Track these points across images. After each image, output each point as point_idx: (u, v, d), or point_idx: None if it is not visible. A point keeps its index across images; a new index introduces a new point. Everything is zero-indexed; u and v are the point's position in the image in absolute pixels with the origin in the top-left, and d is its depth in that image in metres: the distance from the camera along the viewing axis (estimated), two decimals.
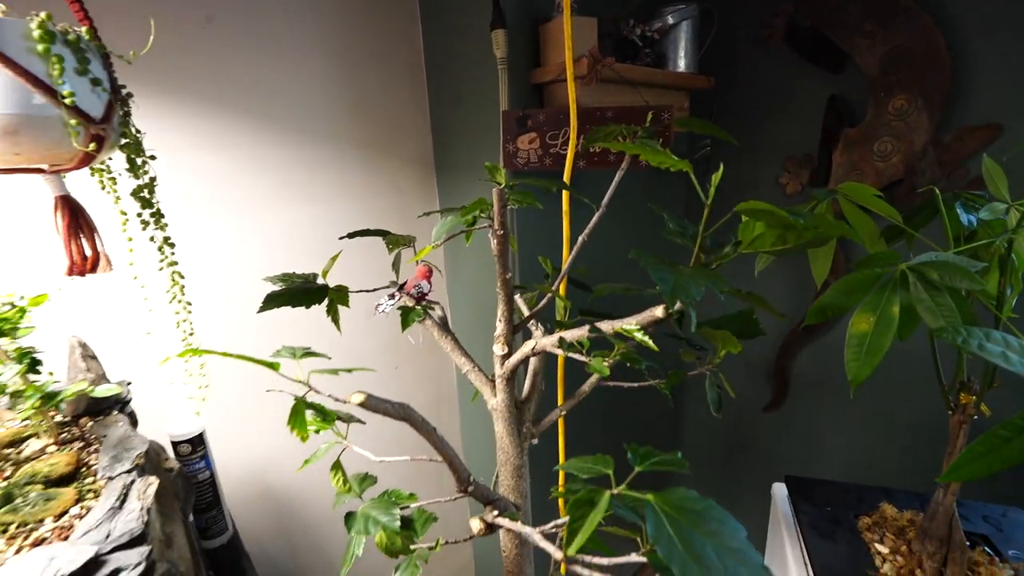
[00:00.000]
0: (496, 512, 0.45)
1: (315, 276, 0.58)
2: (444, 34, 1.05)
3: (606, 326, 0.48)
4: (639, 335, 0.45)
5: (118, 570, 0.42)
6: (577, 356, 0.49)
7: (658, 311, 0.45)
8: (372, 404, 0.40)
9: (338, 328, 0.58)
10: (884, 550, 0.71)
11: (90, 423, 0.60)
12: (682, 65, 1.13)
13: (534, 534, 0.40)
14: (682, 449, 1.64)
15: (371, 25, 1.01)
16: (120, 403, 0.65)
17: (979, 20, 0.95)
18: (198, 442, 0.76)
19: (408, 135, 1.11)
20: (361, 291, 0.62)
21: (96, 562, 0.42)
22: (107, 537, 0.44)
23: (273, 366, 0.40)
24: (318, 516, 1.10)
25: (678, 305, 0.43)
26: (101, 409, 0.63)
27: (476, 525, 0.45)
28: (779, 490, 0.89)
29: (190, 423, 0.74)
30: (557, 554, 0.33)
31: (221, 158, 0.85)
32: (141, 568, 0.43)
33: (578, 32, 0.92)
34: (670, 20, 1.10)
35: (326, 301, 0.58)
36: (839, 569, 0.69)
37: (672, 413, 1.60)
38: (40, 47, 0.42)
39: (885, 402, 1.18)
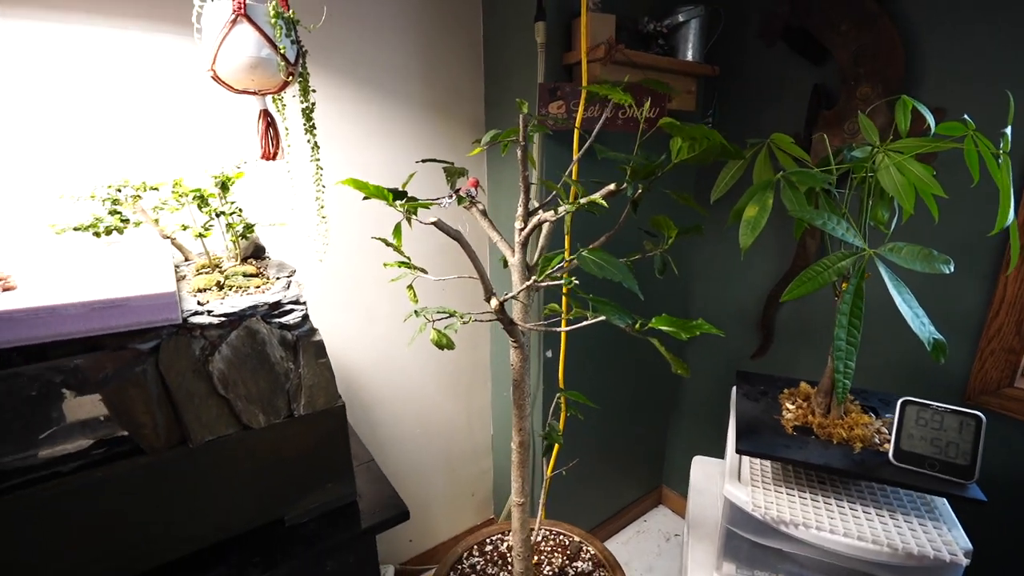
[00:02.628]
0: (501, 301, 0.76)
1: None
2: (499, 23, 1.36)
3: (584, 200, 0.77)
4: (600, 200, 0.74)
5: (291, 310, 0.75)
6: (551, 218, 0.79)
7: (611, 185, 0.74)
8: (439, 225, 0.71)
9: (409, 223, 0.90)
10: (791, 406, 0.96)
11: (254, 260, 0.95)
12: (690, 55, 1.40)
13: (523, 324, 0.70)
14: (685, 392, 1.89)
15: (443, 12, 1.33)
16: (268, 257, 1.00)
17: (927, 24, 1.17)
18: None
19: (465, 100, 1.43)
20: (430, 200, 0.94)
21: (279, 304, 0.75)
22: (284, 297, 0.78)
23: (386, 196, 0.72)
24: (373, 396, 1.44)
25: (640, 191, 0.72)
26: (260, 256, 0.98)
27: (494, 303, 0.76)
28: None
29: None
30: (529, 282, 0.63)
31: (333, 108, 1.20)
32: (302, 312, 0.76)
33: (599, 25, 1.22)
34: (680, 17, 1.38)
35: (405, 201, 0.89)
36: (754, 416, 0.95)
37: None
38: (273, 19, 0.76)
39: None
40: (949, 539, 0.76)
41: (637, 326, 0.63)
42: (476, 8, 1.39)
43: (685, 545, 1.09)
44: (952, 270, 0.70)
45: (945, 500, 0.85)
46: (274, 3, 0.77)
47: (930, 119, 0.78)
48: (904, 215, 0.79)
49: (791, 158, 0.92)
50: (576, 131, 1.23)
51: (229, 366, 0.67)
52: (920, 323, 0.70)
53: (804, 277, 0.72)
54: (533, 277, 0.71)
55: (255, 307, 0.71)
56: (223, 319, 0.67)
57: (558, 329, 0.78)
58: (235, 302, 0.71)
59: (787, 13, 1.38)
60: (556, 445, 1.28)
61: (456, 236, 0.75)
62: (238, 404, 0.69)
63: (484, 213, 0.93)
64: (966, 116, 0.77)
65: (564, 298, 1.32)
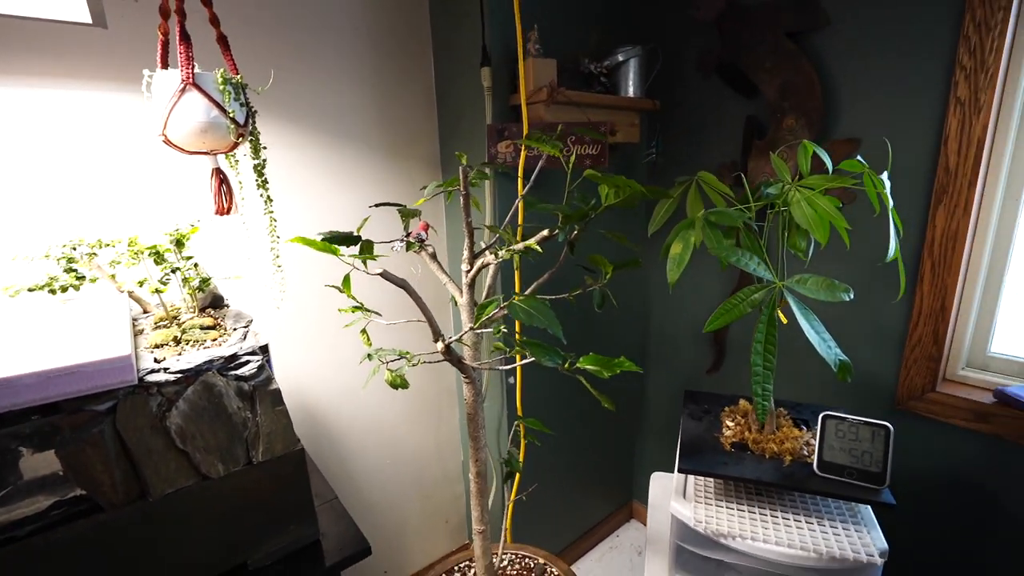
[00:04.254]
0: (446, 344, 0.81)
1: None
2: (449, 68, 1.43)
3: (519, 246, 0.83)
4: (535, 245, 0.80)
5: (247, 361, 0.79)
6: (494, 261, 0.84)
7: (545, 231, 0.80)
8: (386, 275, 0.76)
9: (365, 264, 0.95)
10: (730, 423, 1.03)
11: (212, 311, 0.98)
12: (631, 91, 1.49)
13: (469, 359, 0.75)
14: (649, 409, 1.96)
15: (396, 60, 1.39)
16: (227, 306, 1.03)
17: (838, 61, 1.28)
18: (264, 351, 1.13)
19: (422, 141, 1.49)
20: (382, 242, 0.98)
21: (236, 357, 0.79)
22: (240, 349, 0.81)
23: (334, 251, 0.77)
24: (341, 430, 1.47)
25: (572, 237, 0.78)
26: (219, 305, 1.01)
27: (439, 346, 0.80)
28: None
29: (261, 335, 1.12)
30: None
31: (294, 155, 1.25)
32: (258, 363, 0.80)
33: (541, 69, 1.30)
34: (620, 57, 1.47)
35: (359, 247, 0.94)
36: (697, 435, 1.02)
37: (637, 374, 1.92)
38: (221, 87, 0.81)
39: (788, 359, 1.49)
40: (868, 541, 0.83)
41: (566, 365, 0.68)
42: (427, 54, 1.45)
43: (644, 559, 1.14)
44: (852, 297, 0.78)
45: (869, 508, 0.92)
46: (222, 71, 0.82)
47: (827, 160, 0.87)
48: (821, 244, 0.88)
49: (717, 193, 1.00)
50: (520, 173, 1.30)
51: (186, 420, 0.70)
52: (827, 347, 0.77)
53: (722, 309, 0.79)
54: (469, 324, 0.76)
55: (211, 361, 0.74)
56: (180, 375, 0.70)
57: (501, 368, 0.83)
58: (192, 357, 0.74)
59: (719, 50, 1.48)
60: (517, 472, 1.32)
61: (401, 284, 0.80)
62: (196, 456, 0.72)
63: (433, 256, 0.98)
64: (859, 158, 0.86)
65: (517, 335, 1.37)
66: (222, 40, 0.88)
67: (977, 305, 1.19)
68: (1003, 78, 1.06)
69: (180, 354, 0.76)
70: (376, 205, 0.96)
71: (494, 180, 1.35)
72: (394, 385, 0.89)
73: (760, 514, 0.91)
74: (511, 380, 1.50)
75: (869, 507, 0.91)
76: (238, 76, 0.85)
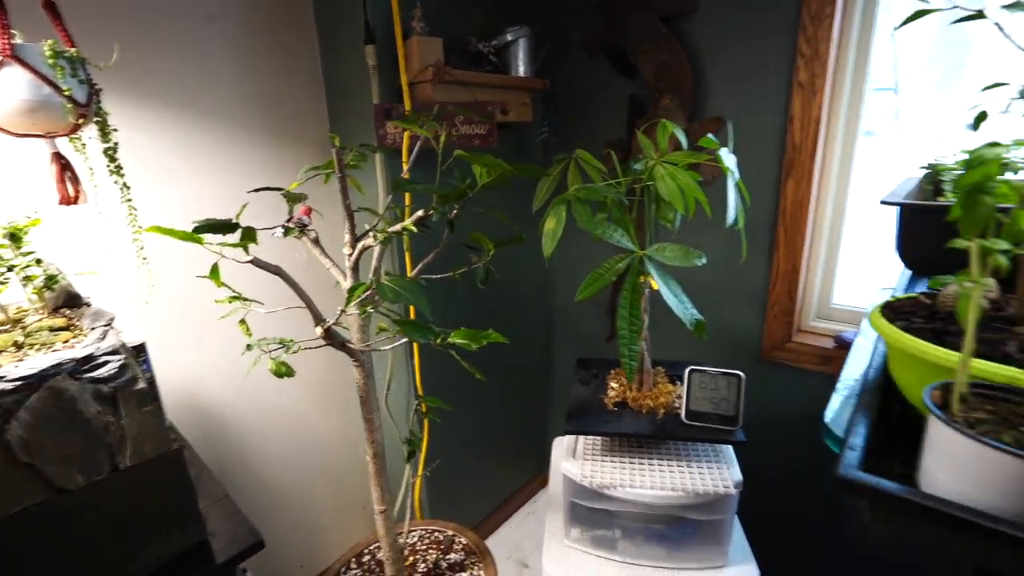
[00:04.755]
0: (326, 328, 0.80)
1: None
2: (333, 45, 1.38)
3: (396, 227, 0.84)
4: (411, 226, 0.81)
5: (106, 362, 0.74)
6: (376, 244, 0.84)
7: (420, 212, 0.81)
8: (256, 262, 0.74)
9: (246, 250, 0.91)
10: (615, 385, 1.11)
11: (67, 311, 0.90)
12: (522, 71, 1.52)
13: (357, 342, 0.75)
14: (556, 377, 2.04)
15: (275, 35, 1.32)
16: (87, 304, 0.95)
17: (706, 45, 1.38)
18: (140, 350, 1.05)
19: (310, 121, 1.43)
20: (262, 229, 0.94)
21: (92, 358, 0.73)
22: (97, 349, 0.75)
23: (197, 239, 0.73)
24: (237, 426, 1.41)
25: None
26: (76, 304, 0.93)
27: (318, 331, 0.80)
28: None
29: (134, 333, 1.05)
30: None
31: (154, 139, 1.15)
32: (120, 362, 0.75)
33: (427, 48, 1.28)
34: (508, 37, 1.48)
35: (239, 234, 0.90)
36: (584, 398, 1.09)
37: (544, 348, 2.00)
38: (51, 60, 0.73)
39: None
40: (727, 476, 0.94)
41: (438, 341, 0.70)
42: (309, 28, 1.39)
43: (546, 519, 1.22)
44: (704, 262, 0.86)
45: (731, 447, 1.04)
46: (51, 42, 0.74)
47: (682, 139, 0.94)
48: (687, 215, 0.96)
49: (594, 170, 1.06)
50: (404, 156, 1.29)
51: (30, 431, 0.65)
52: (684, 308, 0.85)
53: (590, 279, 0.85)
54: (340, 307, 0.77)
55: (59, 365, 0.69)
56: (18, 383, 0.65)
57: (384, 348, 0.84)
58: (34, 363, 0.68)
59: (604, 31, 1.54)
60: (422, 449, 1.35)
61: (275, 271, 0.78)
62: (48, 468, 0.67)
63: (316, 241, 0.96)
64: (710, 135, 0.94)
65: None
66: (49, 7, 0.79)
67: (822, 264, 1.36)
68: (833, 64, 1.20)
69: (21, 360, 0.69)
70: (255, 190, 0.92)
71: (384, 161, 1.33)
72: (279, 374, 0.88)
73: (639, 464, 1.00)
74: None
75: (729, 446, 1.03)
76: (73, 49, 0.77)
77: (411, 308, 1.39)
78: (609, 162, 1.05)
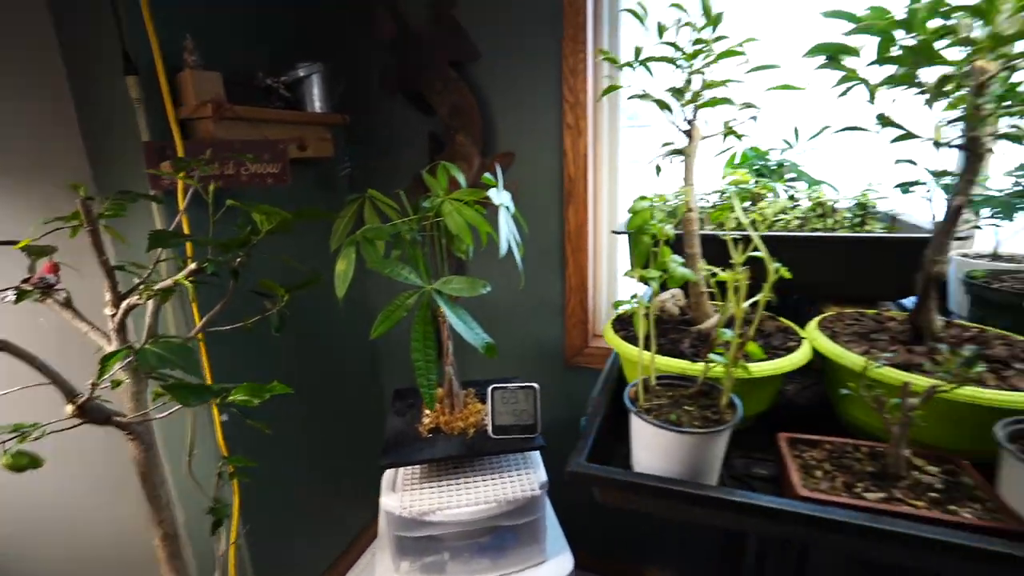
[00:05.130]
0: (81, 402, 0.71)
1: None
2: (86, 76, 1.21)
3: (167, 282, 0.77)
4: (183, 280, 0.76)
5: None
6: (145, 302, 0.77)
7: (193, 265, 0.76)
8: None
9: None
10: (429, 412, 1.16)
11: None
12: (318, 107, 1.51)
13: (132, 412, 0.67)
14: (385, 406, 2.02)
15: (5, 66, 1.12)
16: None
17: (494, 91, 1.53)
18: None
19: (61, 162, 1.23)
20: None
21: None
22: None
23: None
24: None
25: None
26: None
27: (69, 409, 0.70)
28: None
29: None
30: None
31: None
32: None
33: (203, 82, 1.21)
34: (300, 73, 1.46)
35: None
36: (400, 429, 1.11)
37: (373, 381, 1.98)
38: None
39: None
40: (533, 479, 1.05)
41: (218, 401, 0.67)
42: (54, 60, 1.20)
43: (375, 557, 1.20)
44: (488, 290, 0.95)
45: (538, 452, 1.15)
46: None
47: (460, 178, 1.04)
48: (471, 246, 1.04)
49: (389, 207, 1.10)
50: (180, 200, 1.20)
51: None
52: (473, 334, 0.93)
53: (383, 316, 0.88)
54: (91, 380, 0.69)
55: None
56: None
57: (159, 416, 0.77)
58: None
59: (399, 71, 1.61)
60: (233, 515, 1.24)
61: (3, 347, 0.67)
62: None
63: (67, 303, 0.84)
64: (487, 175, 1.05)
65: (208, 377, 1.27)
66: None
67: (606, 277, 1.59)
68: (592, 109, 1.43)
69: None
70: None
71: (159, 206, 1.21)
72: (17, 467, 0.74)
73: (456, 485, 1.05)
74: (224, 417, 1.38)
75: (539, 454, 1.14)
76: None
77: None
78: (404, 199, 1.10)
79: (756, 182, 0.98)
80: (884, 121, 0.56)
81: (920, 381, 0.50)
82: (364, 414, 1.94)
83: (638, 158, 1.54)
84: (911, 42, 0.49)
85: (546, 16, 1.42)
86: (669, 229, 0.55)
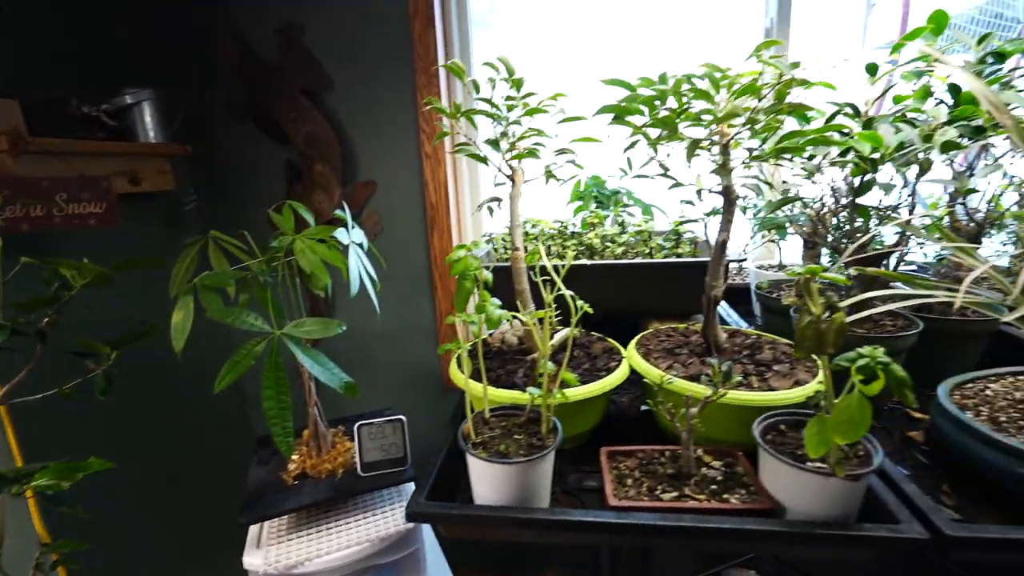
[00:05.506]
0: None
1: None
2: None
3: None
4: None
5: None
6: None
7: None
8: None
9: None
10: (296, 457, 1.11)
11: None
12: (152, 136, 1.38)
13: None
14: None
15: None
16: None
17: (352, 121, 1.52)
18: None
19: None
20: None
21: None
22: None
23: None
24: None
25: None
26: None
27: None
28: None
29: None
30: None
31: None
32: None
33: None
34: (128, 100, 1.33)
35: None
36: (262, 479, 1.05)
37: (243, 429, 1.83)
38: None
39: (370, 374, 1.69)
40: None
41: (14, 491, 0.59)
42: None
43: None
44: (344, 329, 0.94)
45: (412, 483, 1.15)
46: None
47: (308, 217, 1.02)
48: (344, 278, 1.02)
49: (237, 248, 1.04)
50: None
51: None
52: (331, 375, 0.92)
53: (228, 367, 0.83)
54: None
55: None
56: None
57: None
58: None
59: (249, 98, 1.53)
60: None
61: None
62: None
63: None
64: (337, 211, 1.04)
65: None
66: None
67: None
68: (449, 138, 1.47)
69: None
70: None
71: None
72: None
73: (327, 530, 1.02)
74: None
75: (411, 483, 1.14)
76: None
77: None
78: (250, 239, 1.05)
79: (591, 212, 1.08)
80: (664, 169, 0.67)
81: (698, 391, 0.60)
82: (235, 467, 1.79)
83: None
84: (665, 112, 0.60)
85: (399, 47, 1.44)
86: (487, 273, 0.60)
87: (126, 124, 1.36)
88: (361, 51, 1.47)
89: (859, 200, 0.75)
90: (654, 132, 0.64)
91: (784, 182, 0.79)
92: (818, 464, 0.51)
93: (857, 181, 0.73)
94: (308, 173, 1.53)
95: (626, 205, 1.23)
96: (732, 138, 0.60)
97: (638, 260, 0.91)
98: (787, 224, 0.91)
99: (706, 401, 0.57)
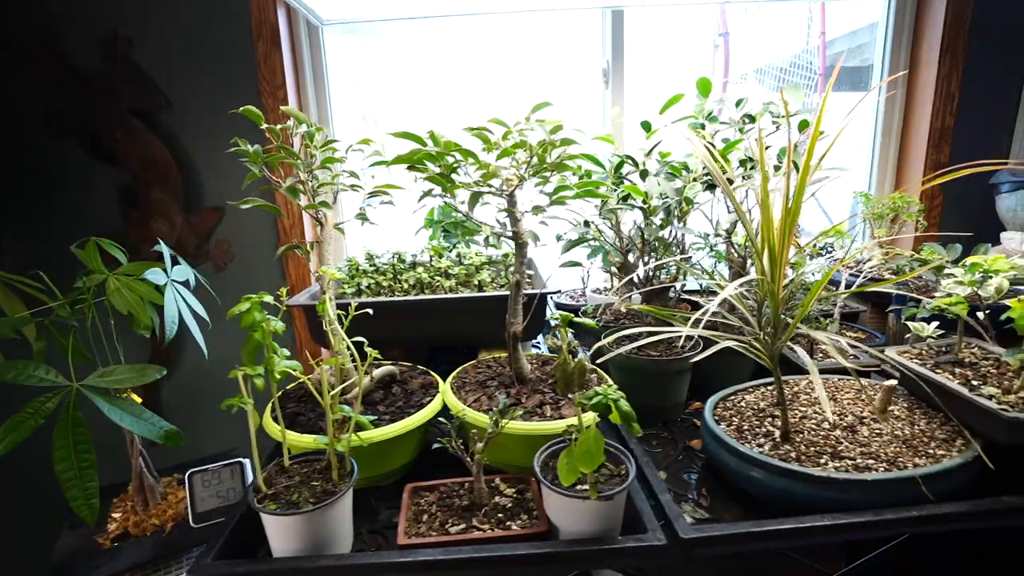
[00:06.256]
0: None
1: None
2: None
3: None
4: None
5: None
6: None
7: None
8: None
9: None
10: (116, 515, 1.01)
11: None
12: None
13: None
14: None
15: None
16: None
17: (194, 143, 1.42)
18: None
19: None
20: None
21: None
22: None
23: None
24: None
25: None
26: None
27: None
28: None
29: None
30: None
31: None
32: None
33: None
34: None
35: None
36: (73, 546, 0.95)
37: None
38: None
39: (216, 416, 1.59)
40: None
41: None
42: None
43: None
44: (163, 373, 0.89)
45: None
46: None
47: (120, 255, 0.95)
48: (146, 324, 0.95)
49: (35, 289, 0.94)
50: None
51: None
52: (148, 427, 0.86)
53: (9, 427, 0.75)
54: None
55: None
56: None
57: None
58: None
59: (70, 114, 1.37)
60: None
61: None
62: None
63: None
64: (158, 246, 0.97)
65: None
66: None
67: None
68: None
69: None
70: None
71: None
72: None
73: None
74: None
75: None
76: None
77: None
78: (46, 279, 0.95)
79: (434, 244, 1.12)
80: (466, 216, 0.72)
81: (484, 424, 0.64)
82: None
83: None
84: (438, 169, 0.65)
85: (244, 69, 1.38)
86: (278, 324, 0.60)
87: None
88: (203, 72, 1.39)
89: (652, 237, 0.86)
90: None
91: (586, 221, 0.88)
92: (579, 488, 0.57)
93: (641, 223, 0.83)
94: (145, 199, 1.41)
95: (472, 233, 1.28)
96: (514, 190, 0.66)
97: (456, 295, 0.96)
98: (592, 252, 1.01)
99: (489, 436, 0.61)
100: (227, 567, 0.54)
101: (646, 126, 0.80)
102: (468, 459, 0.62)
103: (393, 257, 1.10)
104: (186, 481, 0.99)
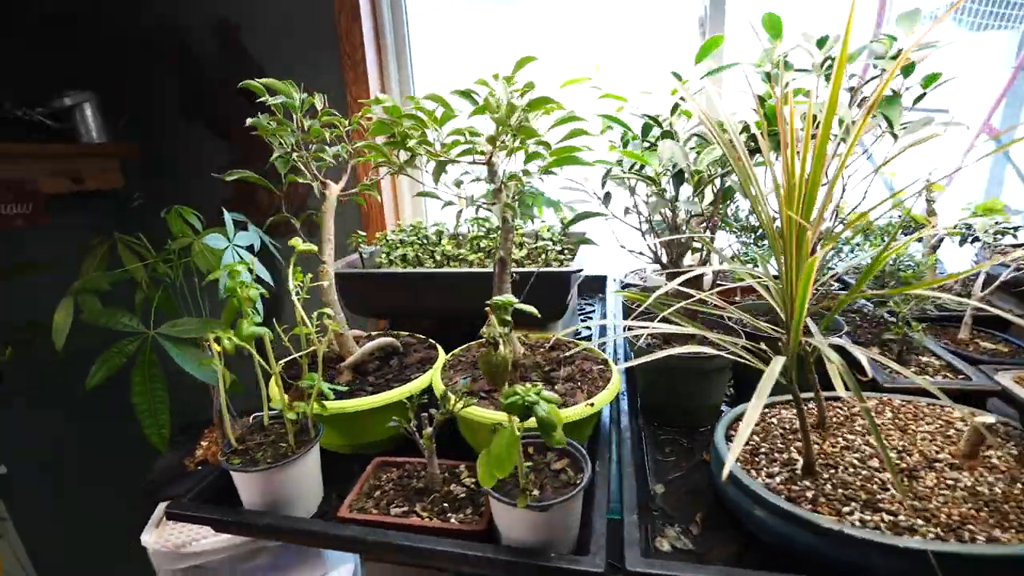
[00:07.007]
0: None
1: None
2: None
3: None
4: None
5: None
6: None
7: None
8: None
9: None
10: (204, 444, 1.18)
11: None
12: (96, 137, 1.47)
13: None
14: None
15: None
16: None
17: None
18: None
19: None
20: None
21: None
22: None
23: None
24: None
25: None
26: None
27: None
28: None
29: None
30: None
31: None
32: None
33: None
34: (68, 102, 1.42)
35: None
36: (166, 466, 1.14)
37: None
38: None
39: None
40: None
41: None
42: None
43: None
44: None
45: None
46: None
47: (196, 223, 1.07)
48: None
49: (140, 249, 1.12)
50: None
51: None
52: (202, 372, 0.98)
53: (99, 363, 0.90)
54: None
55: None
56: None
57: None
58: None
59: (195, 99, 1.59)
60: None
61: None
62: None
63: None
64: (230, 215, 1.08)
65: None
66: None
67: None
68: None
69: None
70: None
71: None
72: None
73: None
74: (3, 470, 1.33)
75: None
76: None
77: None
78: (145, 241, 1.11)
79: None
80: (457, 185, 0.67)
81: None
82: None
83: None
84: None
85: (327, 44, 1.46)
86: (254, 292, 0.62)
87: (69, 125, 1.45)
88: (290, 48, 1.50)
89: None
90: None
91: (607, 193, 0.77)
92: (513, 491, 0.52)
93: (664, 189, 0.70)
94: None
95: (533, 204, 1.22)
96: (491, 157, 0.59)
97: (458, 270, 0.92)
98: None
99: (439, 418, 0.58)
100: (192, 510, 0.60)
101: (676, 76, 0.67)
102: (420, 441, 0.60)
103: (433, 229, 1.09)
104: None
